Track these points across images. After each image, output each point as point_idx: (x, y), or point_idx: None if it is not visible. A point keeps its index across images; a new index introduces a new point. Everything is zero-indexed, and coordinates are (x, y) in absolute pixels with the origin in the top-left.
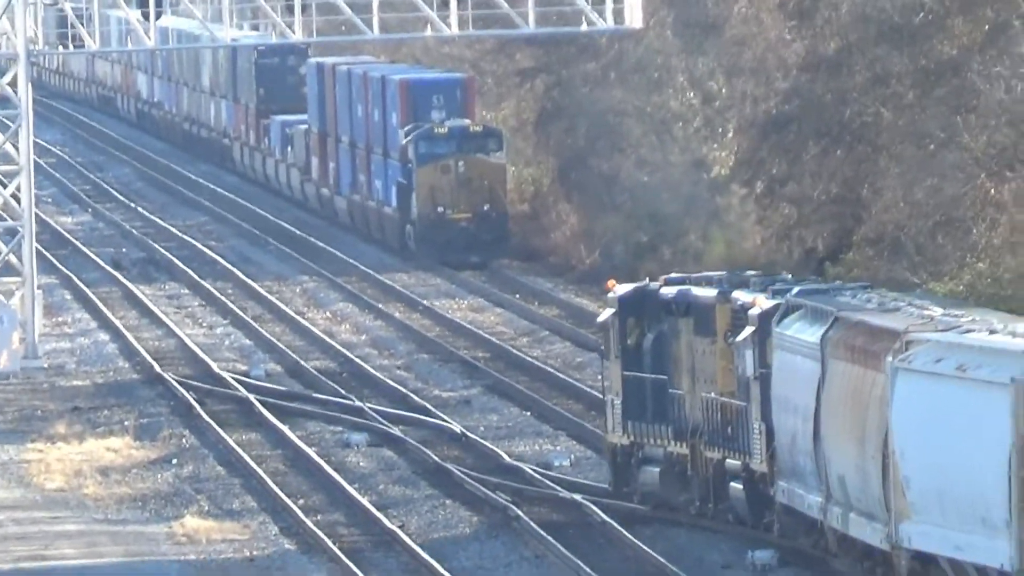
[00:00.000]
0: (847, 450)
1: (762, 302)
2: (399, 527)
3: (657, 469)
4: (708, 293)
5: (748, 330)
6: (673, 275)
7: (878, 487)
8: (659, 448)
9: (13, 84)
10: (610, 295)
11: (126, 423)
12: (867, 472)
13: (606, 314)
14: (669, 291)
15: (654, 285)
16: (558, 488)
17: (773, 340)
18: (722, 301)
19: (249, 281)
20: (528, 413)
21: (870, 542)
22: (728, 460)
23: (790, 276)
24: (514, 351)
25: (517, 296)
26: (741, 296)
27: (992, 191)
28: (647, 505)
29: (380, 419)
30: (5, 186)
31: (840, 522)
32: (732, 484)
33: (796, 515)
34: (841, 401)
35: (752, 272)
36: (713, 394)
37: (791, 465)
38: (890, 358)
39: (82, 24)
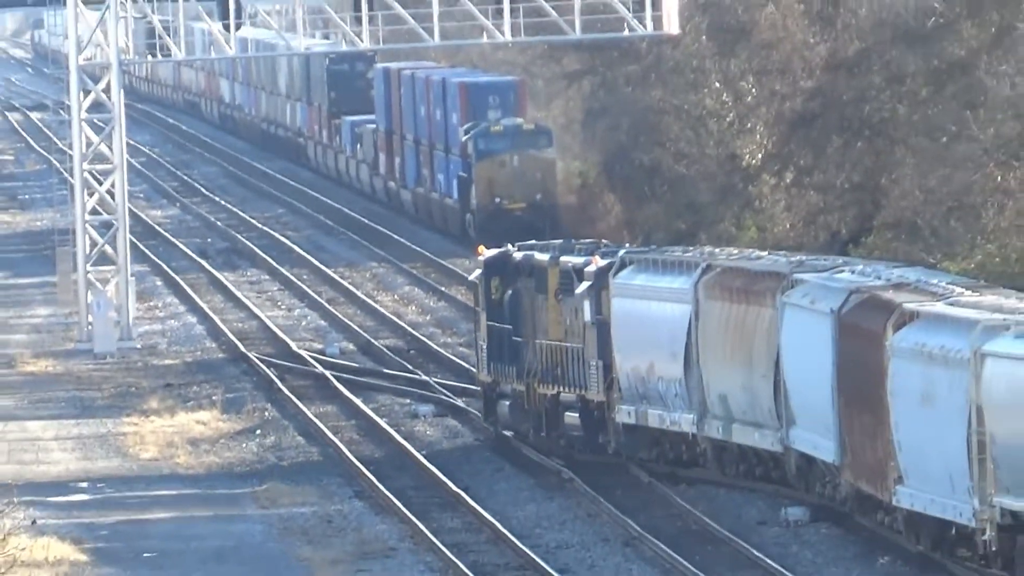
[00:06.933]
0: (732, 373)
1: (599, 261)
2: (463, 490)
3: (508, 403)
4: (544, 257)
5: (585, 284)
6: (528, 242)
7: (769, 401)
8: (510, 385)
9: (107, 90)
10: (480, 258)
11: (214, 398)
12: (756, 390)
13: (476, 273)
14: (519, 255)
15: (511, 250)
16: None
17: (612, 290)
18: (554, 264)
19: (323, 267)
20: None
21: (758, 446)
22: (563, 394)
23: (606, 242)
24: None
25: None
26: (569, 260)
27: (1000, 179)
28: (505, 431)
29: (445, 392)
30: (101, 183)
31: (721, 432)
32: (567, 413)
33: (640, 432)
34: (723, 333)
35: (581, 240)
36: (547, 340)
37: (641, 392)
38: (779, 295)
39: (169, 35)
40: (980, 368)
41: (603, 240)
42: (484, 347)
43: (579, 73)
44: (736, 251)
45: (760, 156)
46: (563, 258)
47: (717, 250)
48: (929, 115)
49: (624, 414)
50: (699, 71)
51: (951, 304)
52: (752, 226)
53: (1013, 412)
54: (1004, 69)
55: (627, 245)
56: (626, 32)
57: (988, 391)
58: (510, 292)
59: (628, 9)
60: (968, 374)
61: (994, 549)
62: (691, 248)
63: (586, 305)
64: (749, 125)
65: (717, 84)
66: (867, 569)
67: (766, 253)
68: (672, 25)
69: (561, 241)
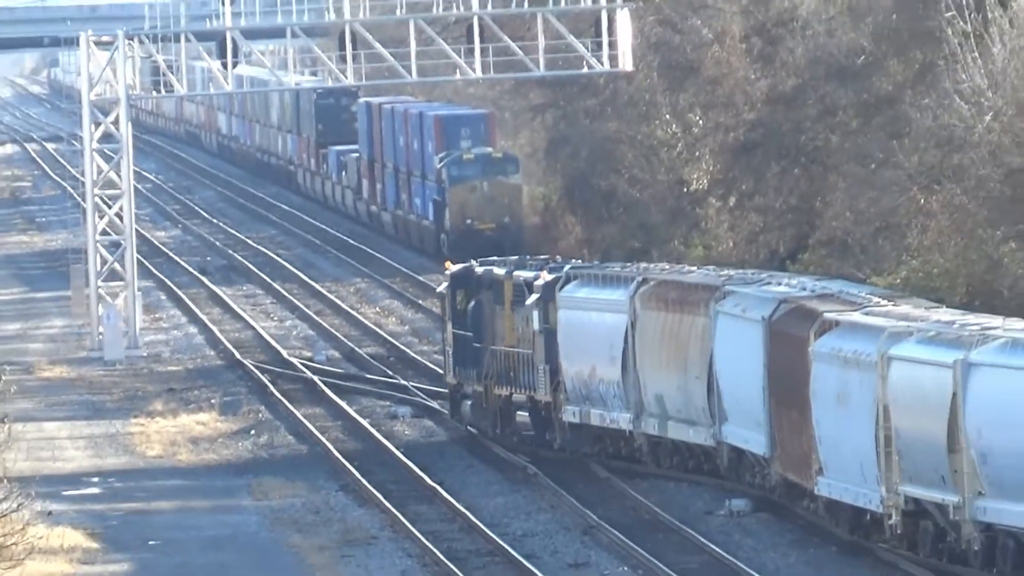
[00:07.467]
0: (667, 375)
1: (546, 276)
2: (438, 483)
3: (470, 402)
4: (501, 271)
5: (534, 296)
6: (489, 258)
7: (703, 400)
8: (471, 387)
9: (116, 123)
10: (447, 272)
11: (212, 401)
12: (690, 390)
13: (443, 286)
14: (480, 270)
15: (475, 265)
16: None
17: (558, 302)
18: (508, 278)
19: (312, 282)
20: None
21: (692, 441)
22: (515, 395)
23: (559, 258)
24: None
25: None
26: (522, 274)
27: (923, 202)
28: (469, 427)
29: (421, 395)
30: (110, 207)
31: (657, 429)
32: (519, 412)
33: (584, 429)
34: (658, 340)
35: (535, 257)
36: (502, 347)
37: (584, 394)
38: (713, 305)
39: (172, 73)
40: (886, 370)
41: (557, 256)
42: (450, 352)
43: (543, 106)
44: (668, 266)
45: (706, 181)
46: (516, 273)
47: (651, 266)
48: (859, 144)
49: (569, 413)
50: (651, 104)
51: (866, 313)
52: (699, 245)
53: (914, 409)
54: (926, 102)
55: (572, 262)
56: (585, 69)
57: (893, 391)
58: (473, 303)
59: (587, 48)
60: (876, 376)
61: (899, 532)
62: (628, 264)
63: (535, 315)
64: (696, 153)
65: (667, 116)
66: (803, 554)
67: (695, 268)
68: (627, 63)
69: (516, 257)
